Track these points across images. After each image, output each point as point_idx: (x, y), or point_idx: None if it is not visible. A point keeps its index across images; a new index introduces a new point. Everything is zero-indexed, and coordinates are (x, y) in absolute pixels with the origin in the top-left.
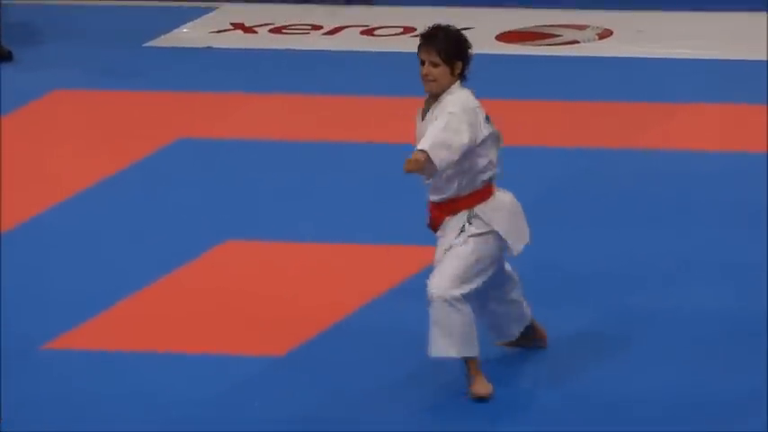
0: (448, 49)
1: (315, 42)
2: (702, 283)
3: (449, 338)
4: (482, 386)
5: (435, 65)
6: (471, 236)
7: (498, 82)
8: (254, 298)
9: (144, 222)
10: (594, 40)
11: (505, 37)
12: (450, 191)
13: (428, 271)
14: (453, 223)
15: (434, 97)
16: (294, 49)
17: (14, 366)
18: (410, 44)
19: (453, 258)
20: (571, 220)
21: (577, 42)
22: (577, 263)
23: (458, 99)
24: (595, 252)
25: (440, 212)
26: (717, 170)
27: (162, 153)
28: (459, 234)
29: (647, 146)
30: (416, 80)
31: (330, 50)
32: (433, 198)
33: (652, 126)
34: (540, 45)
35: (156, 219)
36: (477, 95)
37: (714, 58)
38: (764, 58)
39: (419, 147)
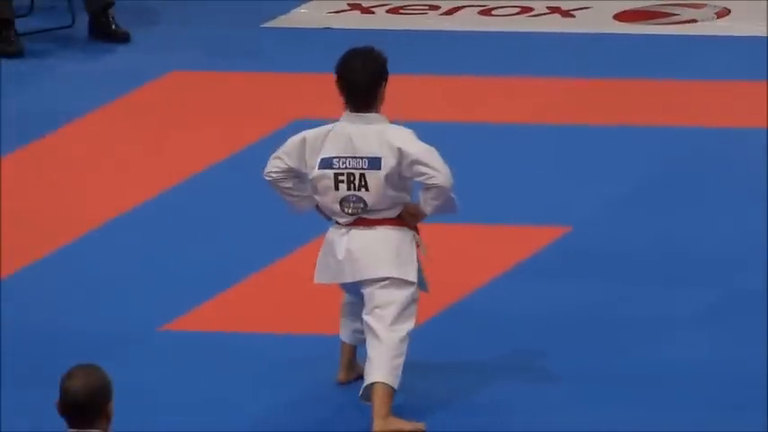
0: None
1: (432, 22)
2: None
3: None
4: None
5: None
6: None
7: (616, 61)
8: None
9: (259, 205)
10: (713, 18)
11: (623, 16)
12: None
13: (542, 253)
14: None
15: None
16: (411, 30)
17: (133, 348)
18: (527, 24)
19: None
20: (690, 199)
21: (695, 21)
22: (695, 242)
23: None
24: (712, 232)
25: None
26: None
27: (278, 134)
28: None
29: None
30: (529, 60)
31: (447, 30)
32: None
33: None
34: (658, 24)
35: (271, 202)
36: (594, 74)
37: None
38: None
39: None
